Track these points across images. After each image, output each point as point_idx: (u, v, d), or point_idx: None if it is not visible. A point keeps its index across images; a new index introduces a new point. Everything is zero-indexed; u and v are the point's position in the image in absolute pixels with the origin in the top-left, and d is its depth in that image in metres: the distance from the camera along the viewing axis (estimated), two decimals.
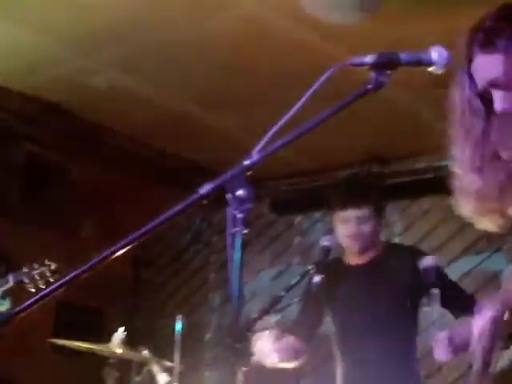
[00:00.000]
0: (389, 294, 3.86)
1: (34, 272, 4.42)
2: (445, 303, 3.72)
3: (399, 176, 6.31)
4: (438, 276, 3.75)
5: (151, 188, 6.69)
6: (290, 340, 3.97)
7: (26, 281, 4.41)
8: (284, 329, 4.14)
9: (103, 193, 6.50)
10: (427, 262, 3.75)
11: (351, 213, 3.91)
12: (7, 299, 4.60)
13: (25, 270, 4.44)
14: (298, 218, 7.04)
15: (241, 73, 5.06)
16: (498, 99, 2.01)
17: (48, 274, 4.43)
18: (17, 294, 4.46)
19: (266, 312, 3.96)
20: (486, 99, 2.07)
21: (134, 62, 5.08)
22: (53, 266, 4.46)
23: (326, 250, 3.78)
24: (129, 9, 4.46)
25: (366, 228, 3.93)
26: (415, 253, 4.04)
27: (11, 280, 4.43)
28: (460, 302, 3.77)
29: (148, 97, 5.53)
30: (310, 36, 4.57)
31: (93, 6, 4.46)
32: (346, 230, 3.92)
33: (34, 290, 4.38)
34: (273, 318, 6.68)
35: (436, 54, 1.94)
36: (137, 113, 5.78)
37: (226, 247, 1.74)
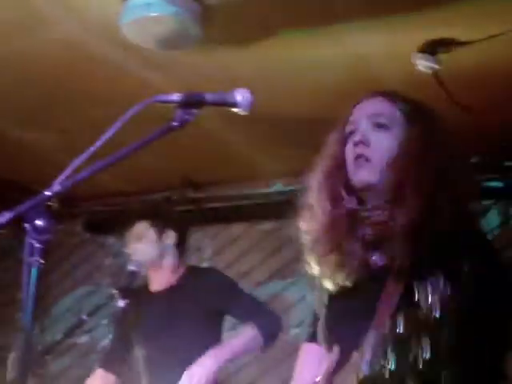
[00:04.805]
0: (186, 320, 3.91)
1: None
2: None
3: (212, 202, 6.43)
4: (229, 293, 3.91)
5: None
6: None
7: None
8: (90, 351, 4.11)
9: None
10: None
11: (130, 231, 4.01)
12: None
13: None
14: (111, 239, 7.02)
15: (58, 93, 4.99)
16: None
17: None
18: None
19: (69, 334, 3.95)
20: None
21: None
22: None
23: (133, 275, 3.81)
24: None
25: (143, 247, 3.98)
26: (212, 273, 4.18)
27: None
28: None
29: None
30: (132, 64, 4.60)
31: None
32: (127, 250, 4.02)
33: None
34: (80, 340, 6.62)
35: (240, 96, 2.03)
36: None
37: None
